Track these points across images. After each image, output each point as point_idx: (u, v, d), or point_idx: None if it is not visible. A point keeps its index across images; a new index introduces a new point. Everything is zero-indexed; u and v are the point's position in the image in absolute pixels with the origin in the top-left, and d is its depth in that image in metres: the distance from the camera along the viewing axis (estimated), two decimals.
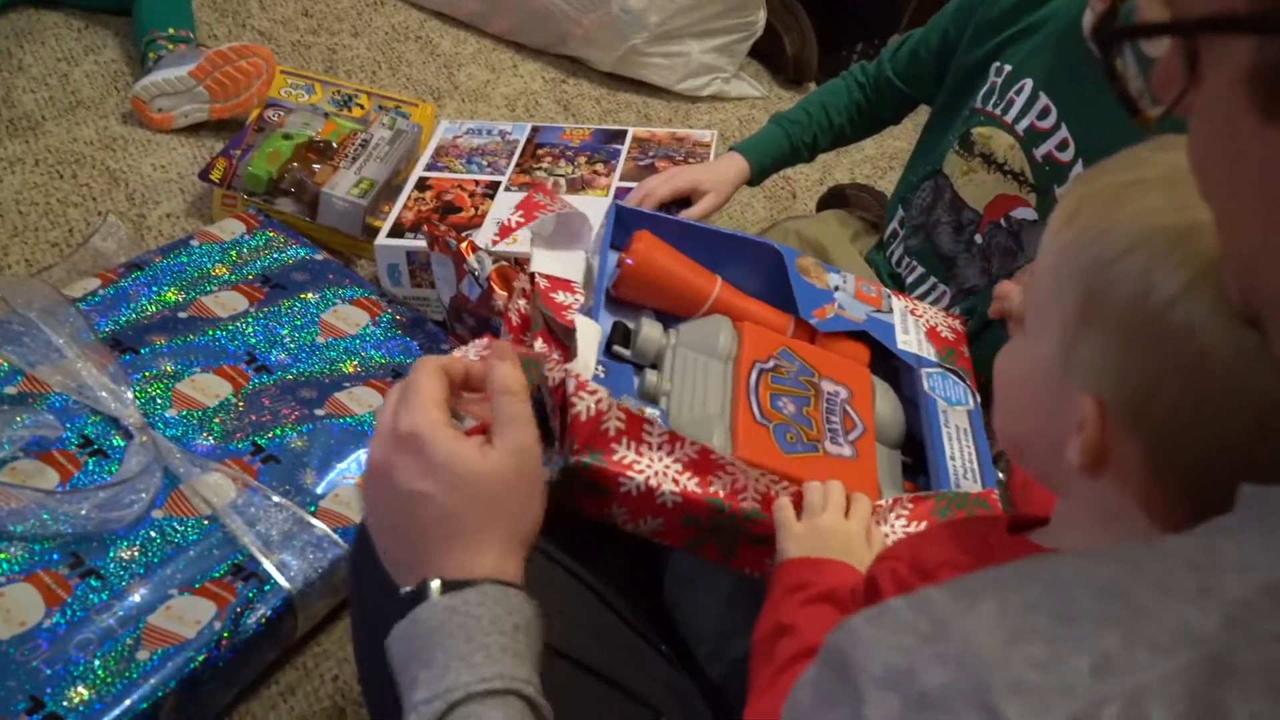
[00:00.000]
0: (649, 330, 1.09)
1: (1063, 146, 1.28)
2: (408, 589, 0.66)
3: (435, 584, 0.65)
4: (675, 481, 0.92)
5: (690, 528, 0.94)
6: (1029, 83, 1.31)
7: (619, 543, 1.04)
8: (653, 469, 0.91)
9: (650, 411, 0.96)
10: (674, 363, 1.08)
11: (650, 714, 0.87)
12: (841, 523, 0.90)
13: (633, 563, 1.03)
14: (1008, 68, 1.32)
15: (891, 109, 1.54)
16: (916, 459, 1.12)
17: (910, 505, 0.98)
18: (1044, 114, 1.30)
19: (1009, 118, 1.33)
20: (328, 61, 2.15)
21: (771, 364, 1.09)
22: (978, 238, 1.39)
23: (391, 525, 0.70)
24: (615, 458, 0.91)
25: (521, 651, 0.64)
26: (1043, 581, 0.42)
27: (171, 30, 1.90)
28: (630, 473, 0.90)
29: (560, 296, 1.10)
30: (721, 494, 0.93)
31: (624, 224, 1.21)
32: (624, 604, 0.95)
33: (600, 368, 1.05)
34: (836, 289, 1.22)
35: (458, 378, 0.74)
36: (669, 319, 1.16)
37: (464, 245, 1.35)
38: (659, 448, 0.92)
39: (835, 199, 1.99)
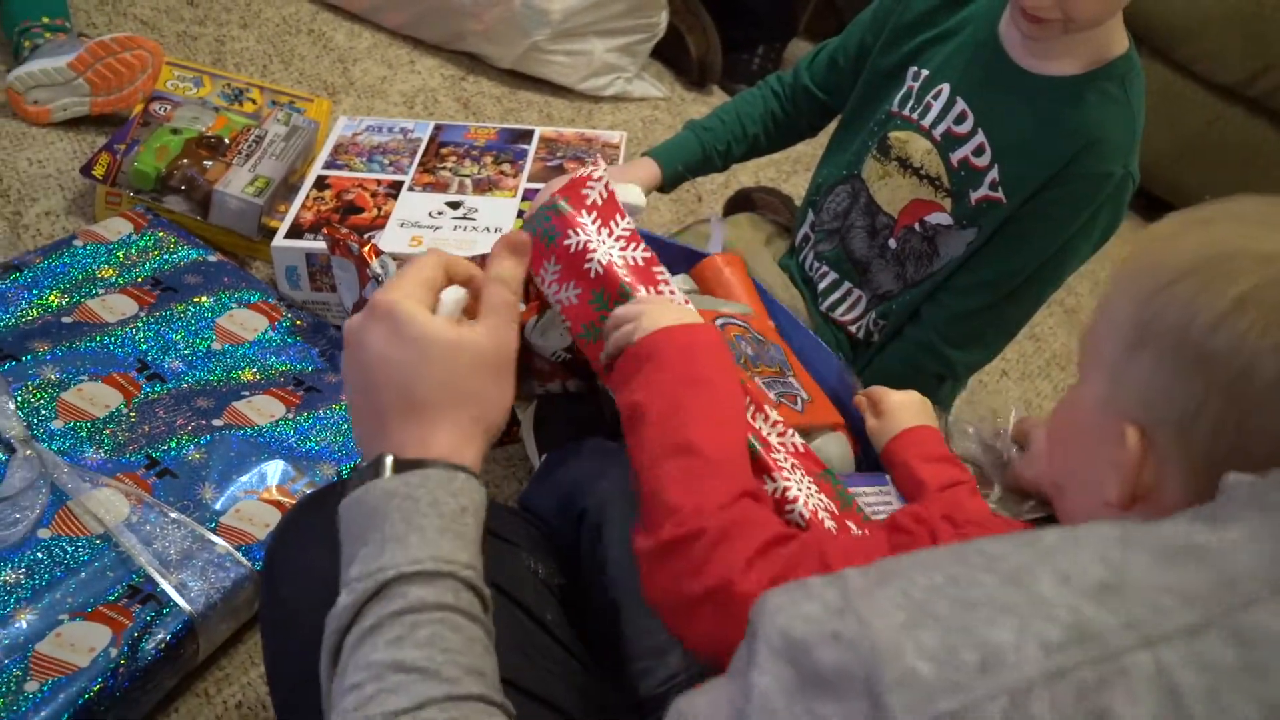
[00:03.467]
0: (681, 281, 1.20)
1: (979, 151, 1.29)
2: (365, 464, 0.65)
3: (389, 461, 0.64)
4: (608, 255, 0.99)
5: (595, 309, 1.00)
6: (946, 87, 1.31)
7: (550, 552, 1.01)
8: (598, 238, 1.00)
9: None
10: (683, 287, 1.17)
11: None
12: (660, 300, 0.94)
13: (566, 573, 1.00)
14: (925, 72, 1.33)
15: (807, 118, 1.53)
16: None
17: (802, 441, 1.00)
18: (961, 119, 1.30)
19: (926, 122, 1.33)
20: (215, 54, 2.06)
21: (758, 338, 1.14)
22: (892, 242, 1.39)
23: (358, 395, 0.69)
24: (578, 218, 1.00)
25: (465, 534, 0.63)
26: (956, 562, 0.43)
27: (46, 19, 1.79)
28: (580, 230, 0.99)
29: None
30: (638, 289, 0.99)
31: None
32: (551, 617, 0.93)
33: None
34: None
35: (460, 275, 0.74)
36: None
37: (367, 249, 1.30)
38: (615, 238, 1.01)
39: (742, 202, 1.98)
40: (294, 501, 1.19)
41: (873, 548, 0.78)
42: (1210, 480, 0.56)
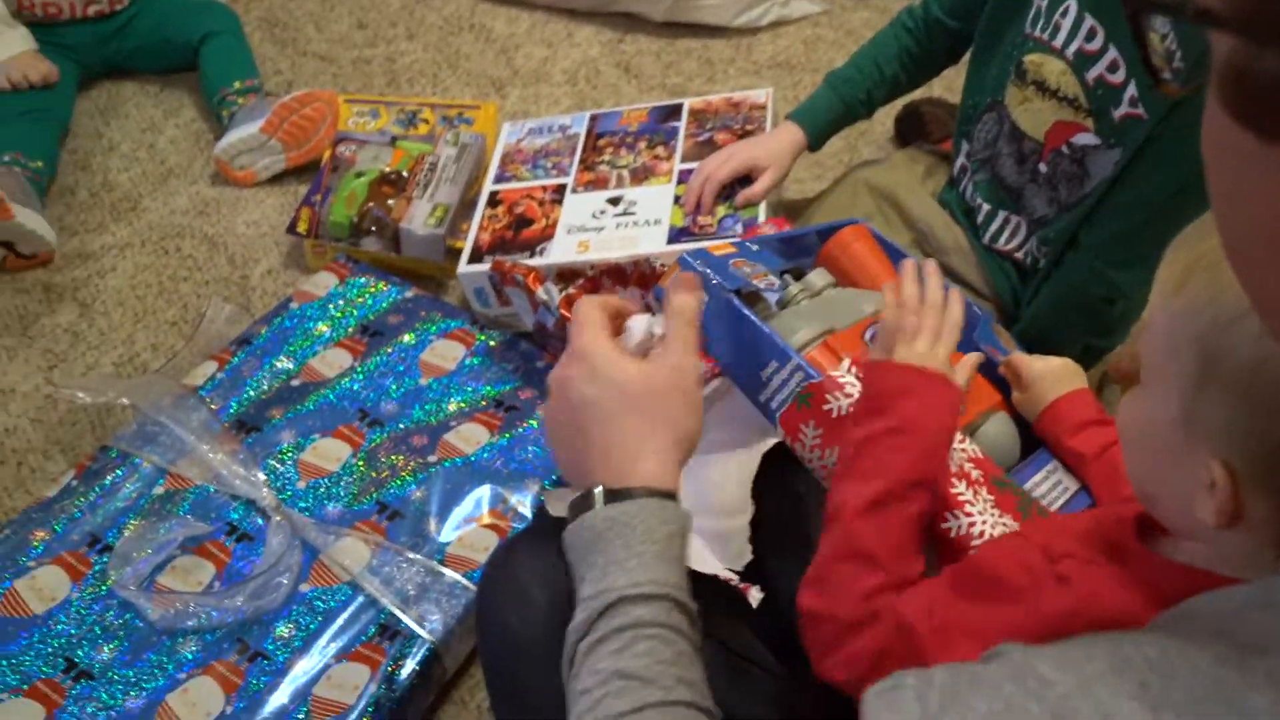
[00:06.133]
0: (818, 277, 1.17)
1: (1113, 68, 1.24)
2: (578, 494, 0.74)
3: (599, 492, 0.73)
4: None
5: None
6: (1073, 4, 1.27)
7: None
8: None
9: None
10: (821, 295, 1.16)
11: None
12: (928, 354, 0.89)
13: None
14: None
15: (943, 49, 1.51)
16: None
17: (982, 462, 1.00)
18: (1091, 36, 1.25)
19: (1057, 42, 1.29)
20: (388, 73, 2.19)
21: None
22: (1042, 167, 1.37)
23: (565, 436, 0.78)
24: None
25: (673, 557, 0.72)
26: (1015, 685, 0.46)
27: (238, 84, 1.98)
28: (839, 392, 0.96)
29: None
30: None
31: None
32: (723, 624, 0.99)
33: (755, 245, 1.19)
34: None
35: (613, 308, 0.83)
36: None
37: (530, 277, 1.40)
38: None
39: (911, 117, 1.95)
40: (508, 522, 1.32)
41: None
42: None
